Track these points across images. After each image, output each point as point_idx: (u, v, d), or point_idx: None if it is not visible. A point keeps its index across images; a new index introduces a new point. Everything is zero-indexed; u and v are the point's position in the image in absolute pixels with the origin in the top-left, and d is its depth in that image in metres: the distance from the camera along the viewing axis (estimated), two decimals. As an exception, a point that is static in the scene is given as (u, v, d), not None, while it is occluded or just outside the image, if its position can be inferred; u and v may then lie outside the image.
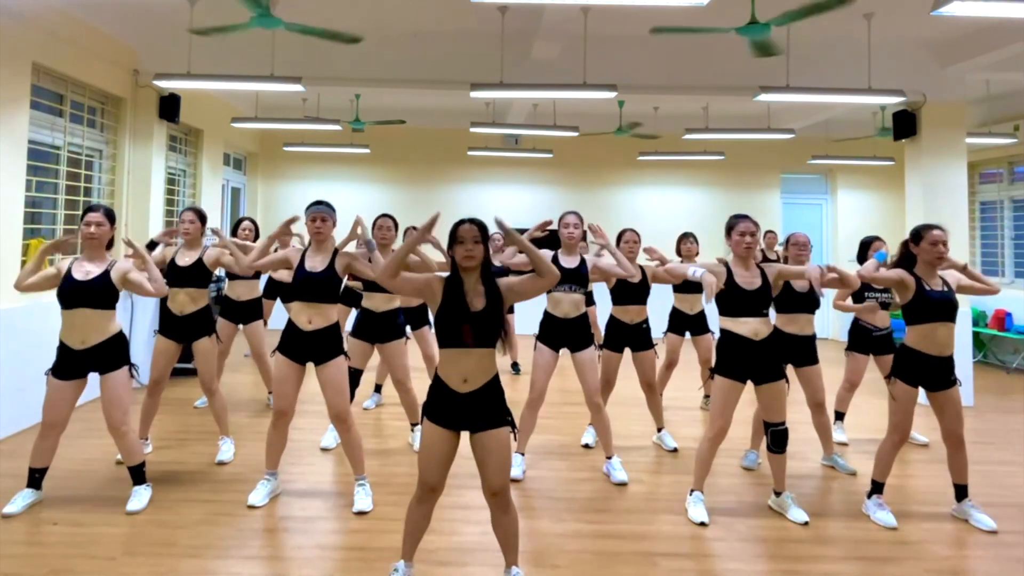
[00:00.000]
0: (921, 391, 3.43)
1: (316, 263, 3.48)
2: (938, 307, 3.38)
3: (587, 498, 3.69)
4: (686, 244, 5.37)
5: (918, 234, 3.47)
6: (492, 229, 2.66)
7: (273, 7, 4.24)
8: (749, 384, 3.46)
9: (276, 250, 3.80)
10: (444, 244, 2.74)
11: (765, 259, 5.73)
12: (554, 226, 4.07)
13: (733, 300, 3.41)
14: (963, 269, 3.62)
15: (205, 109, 7.62)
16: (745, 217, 3.49)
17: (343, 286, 3.65)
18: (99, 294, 3.32)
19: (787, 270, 3.56)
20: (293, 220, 3.75)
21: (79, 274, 3.33)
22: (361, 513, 3.40)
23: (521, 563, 2.67)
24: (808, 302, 4.15)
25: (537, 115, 8.64)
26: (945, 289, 3.43)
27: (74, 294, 3.29)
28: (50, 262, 4.89)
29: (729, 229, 3.51)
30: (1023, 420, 5.61)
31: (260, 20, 4.30)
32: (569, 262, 3.97)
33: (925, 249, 3.43)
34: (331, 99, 8.03)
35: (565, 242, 3.99)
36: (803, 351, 4.12)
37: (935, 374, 3.39)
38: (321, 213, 3.52)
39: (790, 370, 4.12)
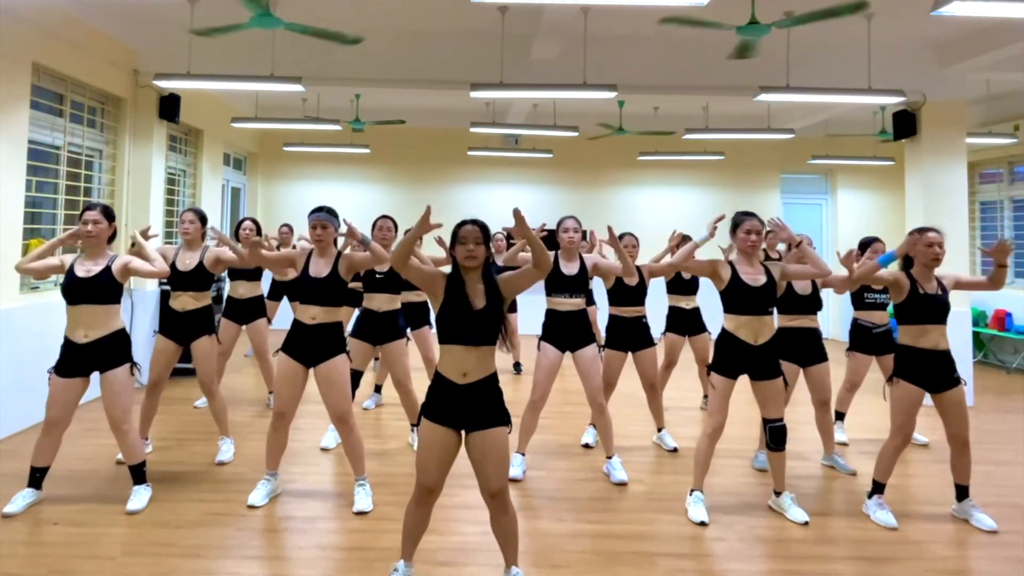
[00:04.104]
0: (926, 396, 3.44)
1: (320, 268, 3.48)
2: (930, 309, 3.39)
3: (587, 498, 3.69)
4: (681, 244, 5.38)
5: (908, 238, 3.48)
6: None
7: (273, 7, 4.24)
8: (750, 384, 3.46)
9: (278, 247, 3.79)
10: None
11: (767, 258, 5.73)
12: (552, 225, 4.07)
13: (738, 297, 3.41)
14: (1003, 267, 3.44)
15: (205, 109, 7.62)
16: (752, 215, 3.49)
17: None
18: (101, 290, 3.36)
19: (789, 269, 3.57)
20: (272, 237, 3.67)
21: (81, 271, 3.37)
22: (361, 513, 3.39)
23: (521, 563, 2.67)
24: (810, 304, 4.17)
25: (537, 115, 8.64)
26: (939, 292, 3.43)
27: (77, 291, 3.34)
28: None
29: (735, 226, 3.51)
30: (1023, 420, 5.61)
31: (260, 20, 4.30)
32: (569, 268, 3.96)
33: (922, 251, 3.43)
34: (331, 99, 8.03)
35: (565, 247, 3.98)
36: (811, 348, 4.14)
37: (936, 371, 3.39)
38: (322, 220, 3.50)
39: (794, 369, 4.14)
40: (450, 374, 2.49)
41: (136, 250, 3.73)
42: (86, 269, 3.38)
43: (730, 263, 3.49)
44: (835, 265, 3.78)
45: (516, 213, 2.61)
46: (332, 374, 3.43)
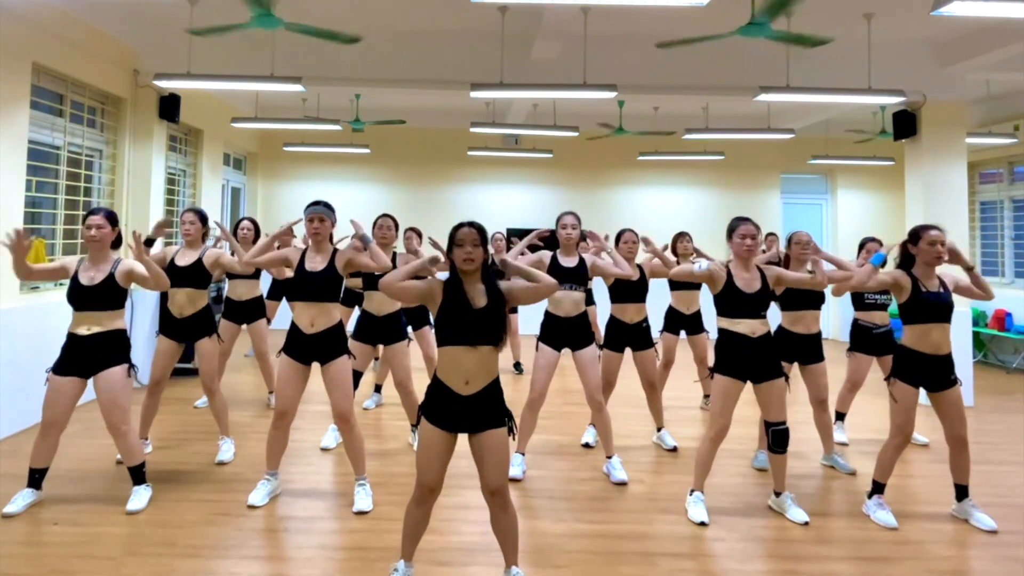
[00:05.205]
0: (922, 391, 3.43)
1: (316, 263, 3.49)
2: (933, 308, 3.38)
3: (587, 498, 3.69)
4: (682, 243, 5.38)
5: (916, 235, 3.48)
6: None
7: (273, 7, 4.24)
8: (750, 384, 3.47)
9: (278, 247, 3.80)
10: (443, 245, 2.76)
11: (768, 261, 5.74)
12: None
13: (732, 302, 3.42)
14: (970, 270, 3.57)
15: (205, 109, 7.62)
16: (747, 220, 3.50)
17: (343, 286, 3.65)
18: (105, 297, 3.37)
19: (786, 276, 3.57)
20: (295, 223, 3.75)
21: (84, 279, 3.37)
22: (361, 513, 3.40)
23: (521, 563, 2.67)
24: (813, 299, 4.17)
25: (537, 115, 8.64)
26: (941, 291, 3.43)
27: (81, 299, 3.35)
28: (50, 259, 4.92)
29: (730, 231, 3.52)
30: (1023, 420, 5.61)
31: (260, 20, 4.31)
32: (568, 262, 3.98)
33: (923, 249, 3.43)
34: (331, 99, 8.03)
35: (563, 243, 4.00)
36: (809, 349, 4.14)
37: (934, 373, 3.40)
38: (319, 213, 3.51)
39: (793, 368, 4.15)
40: (451, 382, 2.47)
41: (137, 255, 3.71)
42: (90, 276, 3.38)
43: (726, 267, 3.49)
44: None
45: (504, 264, 2.66)
46: (336, 374, 3.44)
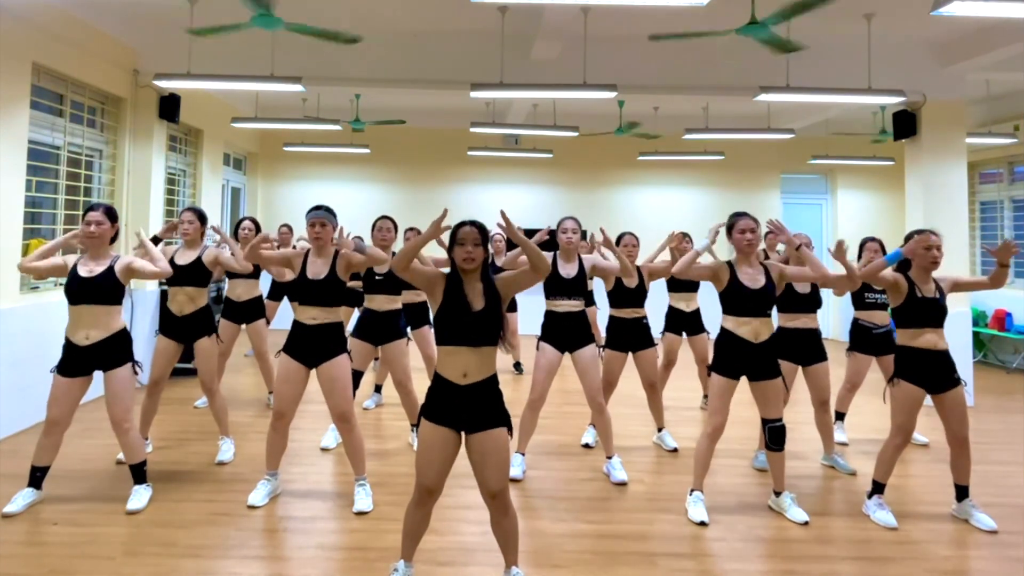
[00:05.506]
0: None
1: (318, 268, 3.48)
2: (927, 312, 3.39)
3: (587, 498, 3.69)
4: (681, 245, 5.38)
5: (912, 239, 3.49)
6: (497, 222, 2.69)
7: (273, 7, 4.24)
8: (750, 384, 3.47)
9: (277, 247, 3.78)
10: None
11: (767, 258, 5.74)
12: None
13: (737, 299, 3.42)
14: (1005, 267, 3.45)
15: (205, 109, 7.62)
16: (744, 214, 3.51)
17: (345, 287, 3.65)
18: (103, 290, 3.36)
19: (789, 271, 3.57)
20: (267, 238, 3.57)
21: (84, 271, 3.38)
22: (361, 513, 3.40)
23: (521, 563, 2.67)
24: (810, 303, 4.17)
25: (537, 115, 8.64)
26: (937, 295, 3.43)
27: (79, 291, 3.34)
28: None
29: (730, 228, 3.53)
30: (1023, 420, 5.61)
31: (260, 20, 4.31)
32: (568, 270, 3.96)
33: (919, 254, 3.43)
34: (331, 99, 8.03)
35: (563, 247, 3.98)
36: (810, 348, 4.14)
37: (936, 372, 3.39)
38: (320, 219, 3.50)
39: (792, 368, 4.14)
40: (450, 375, 2.49)
41: (141, 251, 3.73)
42: (88, 269, 3.39)
43: (729, 264, 3.49)
44: (835, 266, 3.77)
45: (503, 216, 2.62)
46: (334, 374, 3.44)
